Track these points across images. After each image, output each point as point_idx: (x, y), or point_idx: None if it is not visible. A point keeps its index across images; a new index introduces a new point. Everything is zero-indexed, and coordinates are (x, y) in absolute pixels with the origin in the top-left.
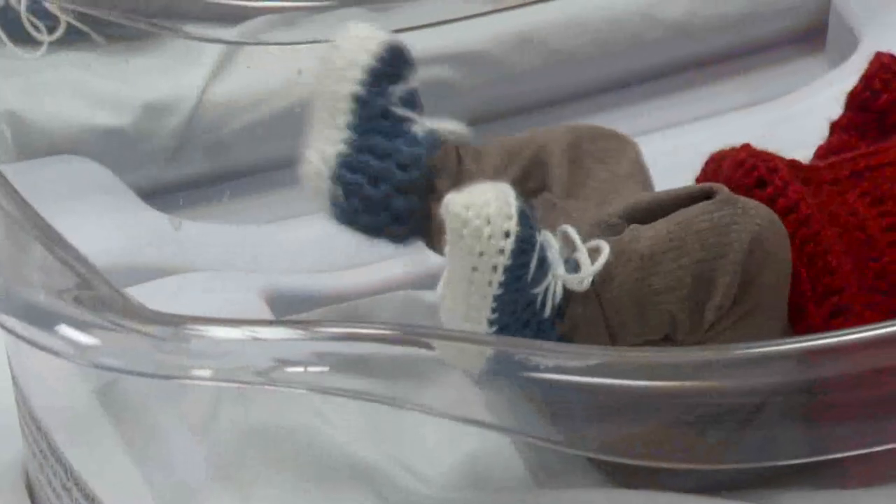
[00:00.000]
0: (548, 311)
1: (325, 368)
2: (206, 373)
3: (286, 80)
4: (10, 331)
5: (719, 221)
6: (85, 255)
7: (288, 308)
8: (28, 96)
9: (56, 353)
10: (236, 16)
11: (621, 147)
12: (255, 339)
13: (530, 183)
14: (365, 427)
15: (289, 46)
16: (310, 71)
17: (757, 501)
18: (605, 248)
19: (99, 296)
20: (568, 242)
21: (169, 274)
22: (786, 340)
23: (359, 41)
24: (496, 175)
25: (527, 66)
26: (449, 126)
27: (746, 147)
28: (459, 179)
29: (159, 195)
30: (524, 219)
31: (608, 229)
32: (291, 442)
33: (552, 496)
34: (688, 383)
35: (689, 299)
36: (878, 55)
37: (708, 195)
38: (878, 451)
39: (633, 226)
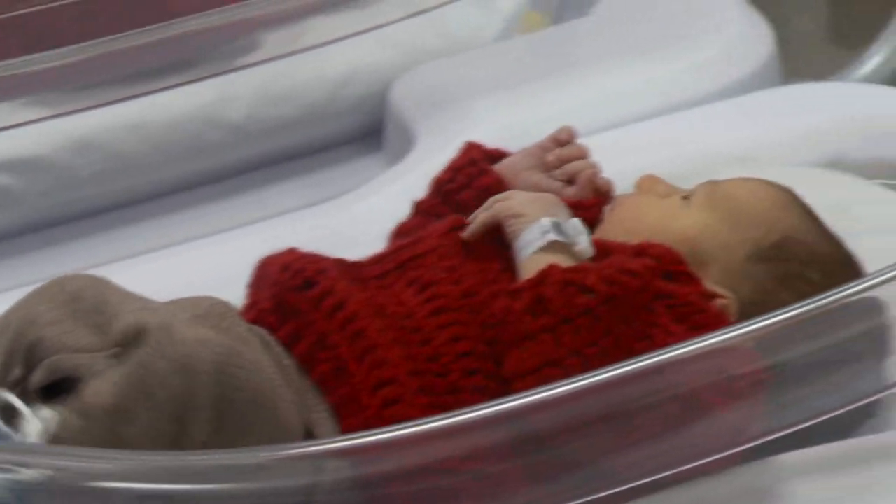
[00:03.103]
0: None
1: None
2: None
3: None
4: None
5: (170, 367)
6: None
7: None
8: None
9: None
10: None
11: (93, 282)
12: None
13: (16, 369)
14: None
15: None
16: None
17: None
18: (52, 417)
19: None
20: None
21: None
22: (336, 438)
23: None
24: None
25: (88, 171)
26: None
27: (292, 251)
28: None
29: None
30: None
31: (115, 357)
32: None
33: None
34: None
35: (169, 441)
36: (469, 147)
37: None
38: None
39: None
